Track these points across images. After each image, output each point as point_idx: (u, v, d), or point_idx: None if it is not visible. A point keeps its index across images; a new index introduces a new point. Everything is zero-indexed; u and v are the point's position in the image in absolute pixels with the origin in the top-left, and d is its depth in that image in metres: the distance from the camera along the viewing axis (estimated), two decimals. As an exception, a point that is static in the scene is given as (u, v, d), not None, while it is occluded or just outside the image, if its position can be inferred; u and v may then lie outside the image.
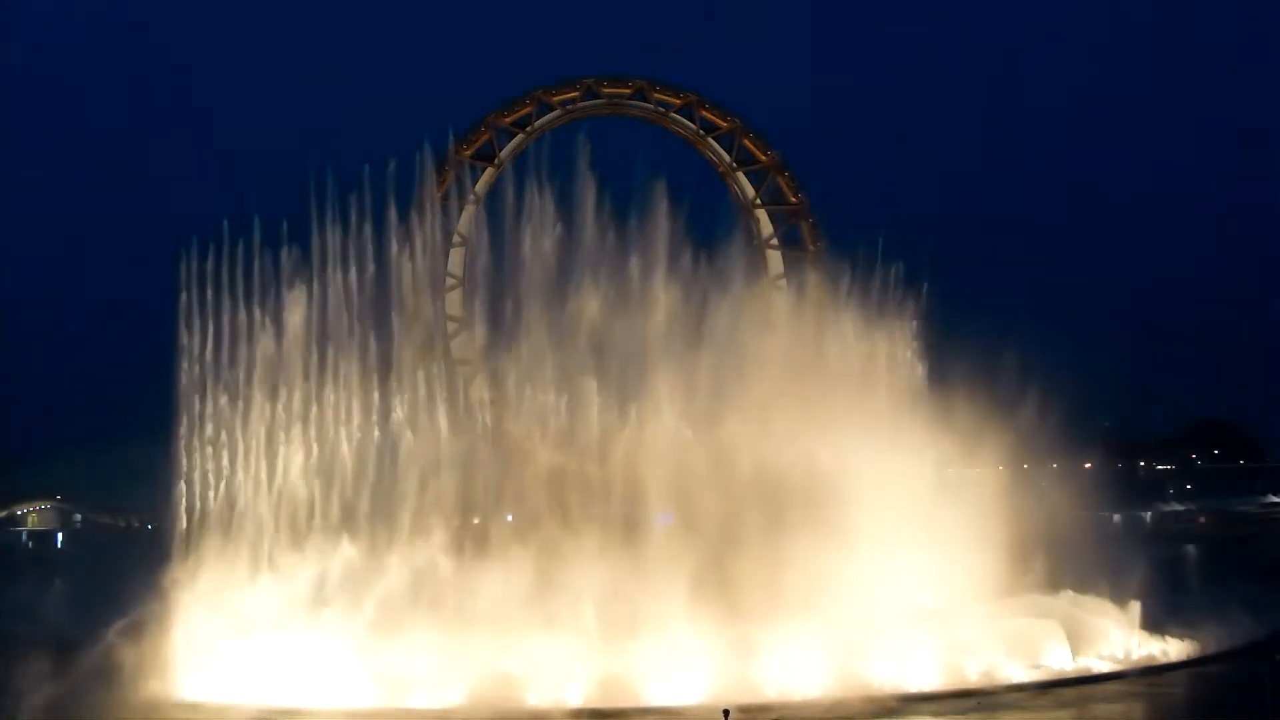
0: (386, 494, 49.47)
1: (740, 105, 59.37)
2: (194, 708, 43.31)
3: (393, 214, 49.50)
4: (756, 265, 56.85)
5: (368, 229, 49.41)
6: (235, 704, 43.34)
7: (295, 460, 49.21)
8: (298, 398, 49.03)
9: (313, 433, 49.49)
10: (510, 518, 52.36)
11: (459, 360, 56.09)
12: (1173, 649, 50.44)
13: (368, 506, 49.01)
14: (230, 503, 48.63)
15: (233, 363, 48.99)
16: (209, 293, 49.35)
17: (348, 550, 47.67)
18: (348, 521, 49.18)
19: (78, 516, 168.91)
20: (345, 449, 49.66)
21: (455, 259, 56.54)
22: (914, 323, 53.10)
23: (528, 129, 57.46)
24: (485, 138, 57.28)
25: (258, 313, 48.88)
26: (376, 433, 49.76)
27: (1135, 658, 49.41)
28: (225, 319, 48.78)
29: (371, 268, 49.86)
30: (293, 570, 46.97)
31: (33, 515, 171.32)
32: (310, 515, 49.07)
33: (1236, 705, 42.91)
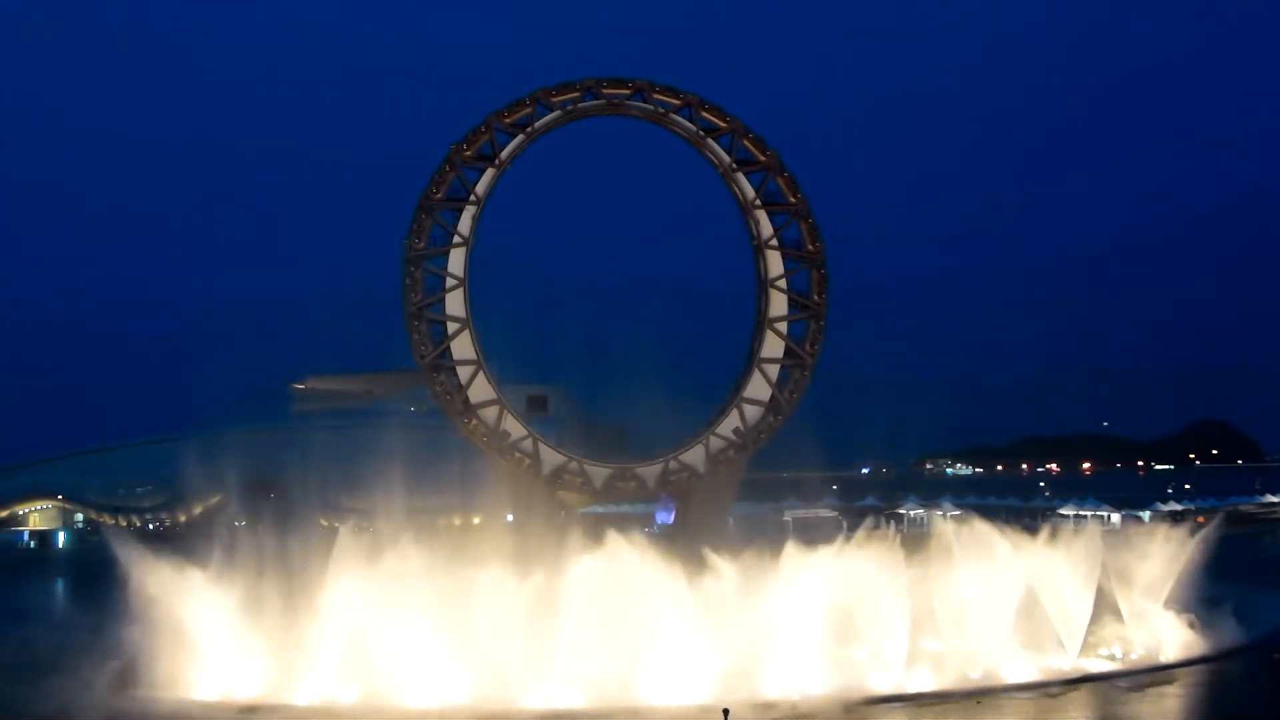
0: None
1: (739, 107, 59.36)
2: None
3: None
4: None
5: None
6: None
7: None
8: None
9: None
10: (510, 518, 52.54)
11: (460, 360, 56.19)
12: (1173, 648, 50.52)
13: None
14: None
15: None
16: None
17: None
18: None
19: (79, 516, 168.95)
20: None
21: (456, 259, 56.62)
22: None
23: (528, 129, 57.39)
24: (486, 138, 57.24)
25: None
26: None
27: (1135, 657, 49.54)
28: None
29: None
30: None
31: (34, 515, 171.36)
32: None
33: (1236, 704, 43.06)
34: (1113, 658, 49.32)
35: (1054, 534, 52.09)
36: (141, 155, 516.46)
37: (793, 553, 46.93)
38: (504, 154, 57.30)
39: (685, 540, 51.93)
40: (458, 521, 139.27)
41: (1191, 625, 51.91)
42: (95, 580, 49.28)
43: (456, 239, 56.59)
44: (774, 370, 58.55)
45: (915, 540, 50.30)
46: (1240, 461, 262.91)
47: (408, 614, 44.20)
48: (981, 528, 50.64)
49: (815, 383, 59.17)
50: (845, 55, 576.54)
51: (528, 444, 56.91)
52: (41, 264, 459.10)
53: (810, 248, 58.89)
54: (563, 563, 45.69)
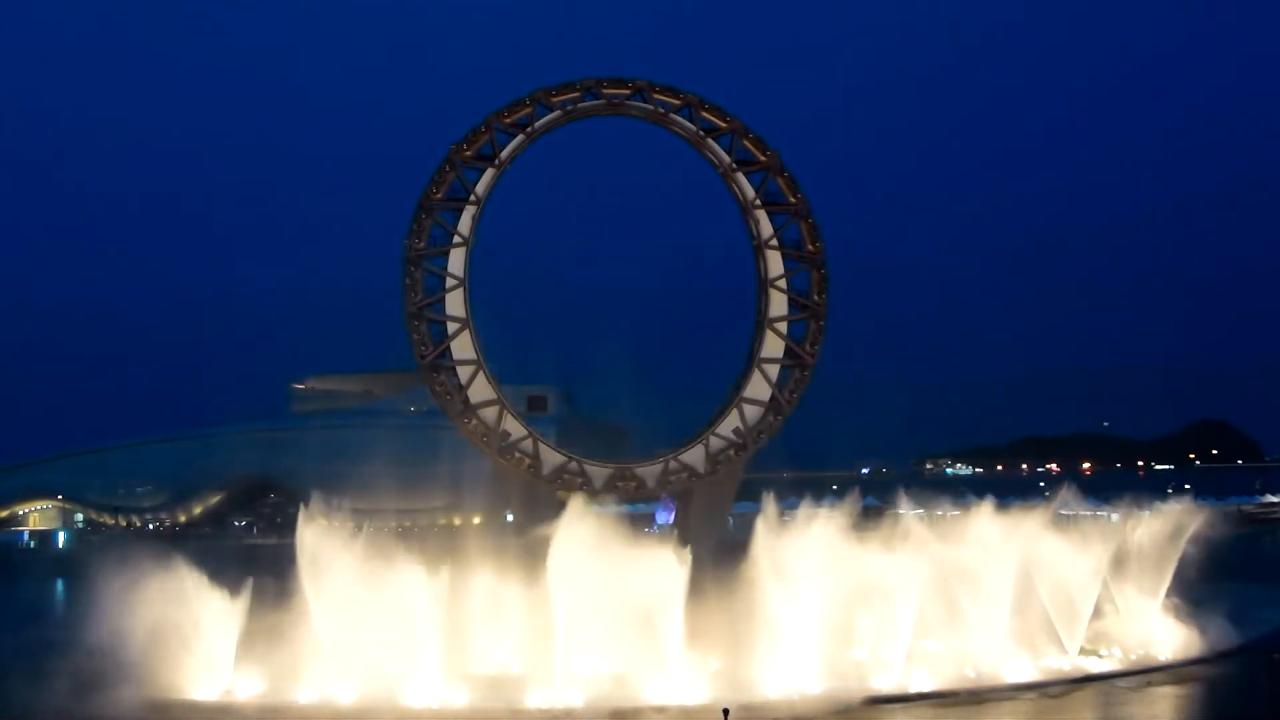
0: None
1: (738, 106, 59.23)
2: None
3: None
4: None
5: None
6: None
7: None
8: None
9: None
10: (510, 517, 52.56)
11: (460, 360, 56.18)
12: (1173, 648, 50.49)
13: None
14: None
15: None
16: None
17: None
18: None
19: (79, 516, 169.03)
20: None
21: (456, 259, 56.61)
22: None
23: (528, 129, 57.35)
24: (486, 138, 57.20)
25: None
26: None
27: (1134, 657, 49.53)
28: None
29: None
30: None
31: (34, 515, 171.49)
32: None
33: (1236, 704, 43.07)
34: (1112, 657, 49.34)
35: (1054, 533, 52.05)
36: (140, 155, 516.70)
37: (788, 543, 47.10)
38: (504, 154, 57.25)
39: (685, 540, 51.90)
40: (458, 521, 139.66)
41: (1190, 624, 51.91)
42: (89, 580, 49.44)
43: (456, 239, 56.55)
44: (774, 370, 58.52)
45: (914, 536, 50.16)
46: (1240, 461, 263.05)
47: (379, 610, 44.60)
48: (982, 524, 50.68)
49: (815, 383, 59.14)
50: (841, 53, 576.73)
51: (528, 444, 56.90)
52: (39, 265, 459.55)
53: (810, 248, 58.84)
54: (557, 560, 45.93)
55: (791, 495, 59.85)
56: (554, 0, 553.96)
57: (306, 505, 48.66)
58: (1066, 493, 58.38)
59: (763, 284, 58.95)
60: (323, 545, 46.91)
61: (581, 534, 47.00)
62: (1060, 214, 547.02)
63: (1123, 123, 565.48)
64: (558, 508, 52.35)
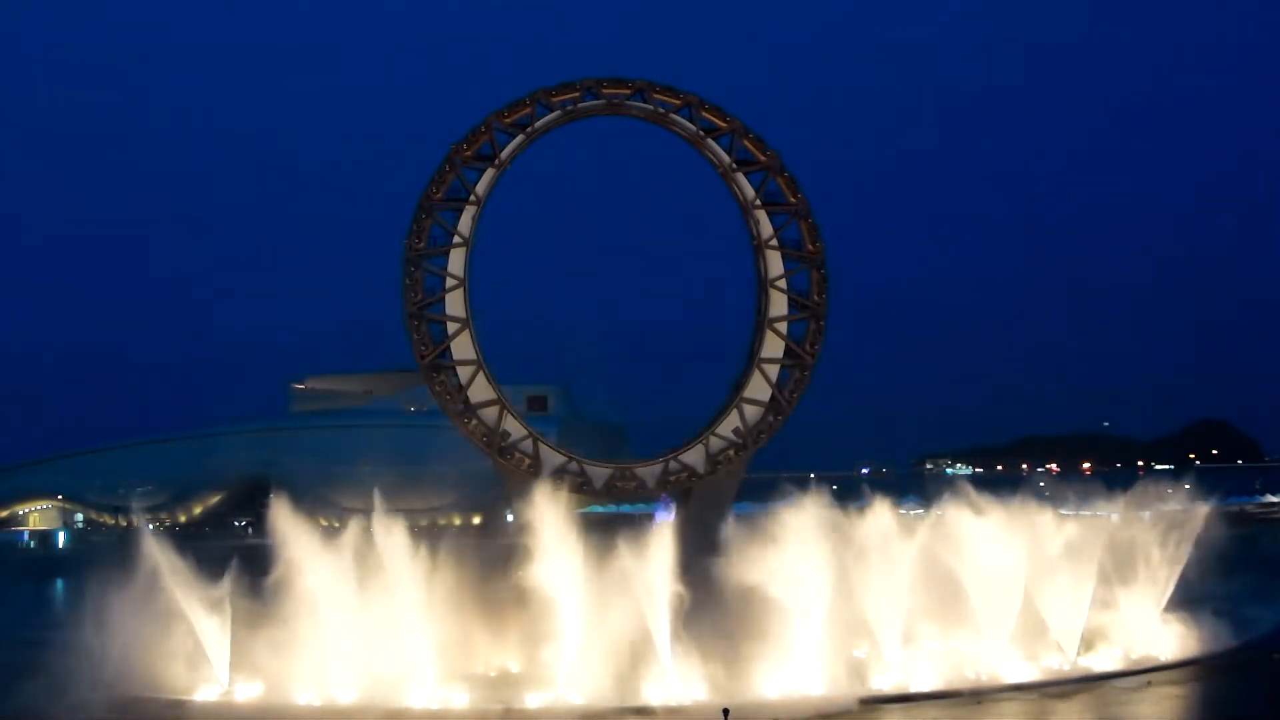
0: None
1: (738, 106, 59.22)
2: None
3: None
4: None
5: None
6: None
7: None
8: None
9: None
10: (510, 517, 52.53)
11: (460, 360, 56.18)
12: (1173, 647, 50.46)
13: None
14: None
15: None
16: None
17: None
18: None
19: (79, 516, 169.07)
20: None
21: (456, 259, 56.60)
22: None
23: (528, 129, 57.34)
24: (485, 138, 57.19)
25: None
26: None
27: (1135, 656, 49.51)
28: None
29: None
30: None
31: (34, 515, 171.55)
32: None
33: (1237, 704, 43.07)
34: (1112, 657, 49.32)
35: (1054, 532, 52.00)
36: (137, 155, 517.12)
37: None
38: (504, 154, 57.23)
39: (685, 540, 51.88)
40: (458, 521, 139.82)
41: (1190, 624, 51.87)
42: (85, 580, 49.45)
43: (456, 239, 56.54)
44: (774, 370, 58.52)
45: (912, 536, 50.20)
46: (1240, 461, 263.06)
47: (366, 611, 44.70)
48: (981, 524, 50.64)
49: (815, 383, 59.15)
50: (847, 52, 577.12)
51: (528, 444, 56.91)
52: (40, 265, 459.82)
53: (810, 248, 58.82)
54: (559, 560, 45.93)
55: (789, 495, 59.90)
56: (554, 0, 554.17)
57: (293, 505, 48.54)
58: (1061, 491, 58.36)
59: (763, 284, 58.93)
60: (298, 540, 46.82)
61: (565, 532, 47.02)
62: (1061, 213, 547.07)
63: (1125, 127, 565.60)
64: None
